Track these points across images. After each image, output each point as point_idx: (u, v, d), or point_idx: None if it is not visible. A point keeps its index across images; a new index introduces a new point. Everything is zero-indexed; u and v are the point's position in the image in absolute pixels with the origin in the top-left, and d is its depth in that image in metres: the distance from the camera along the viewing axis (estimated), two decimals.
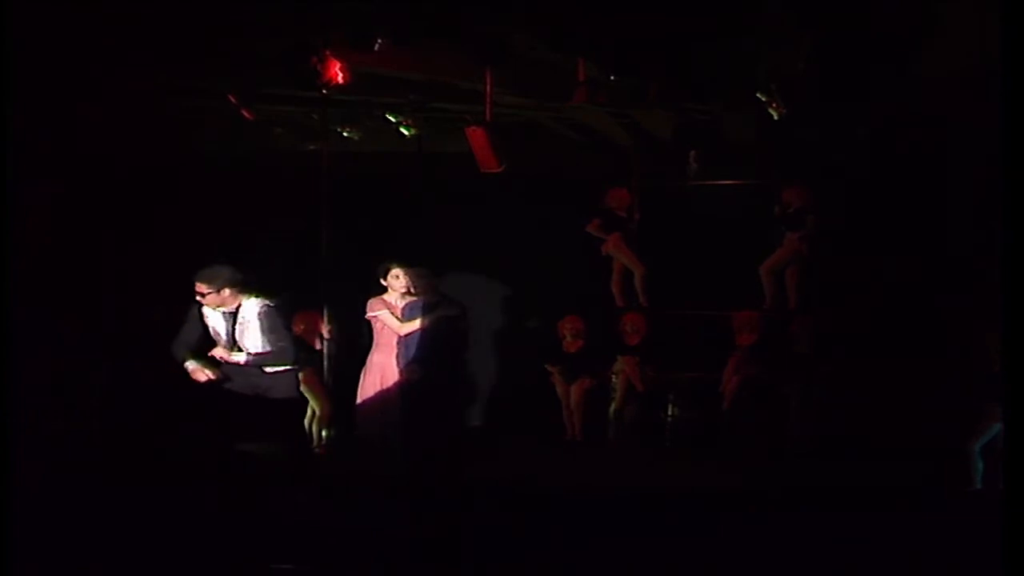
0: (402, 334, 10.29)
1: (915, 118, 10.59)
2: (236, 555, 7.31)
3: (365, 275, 10.71)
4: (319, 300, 11.00)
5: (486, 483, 9.41)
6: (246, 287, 9.15)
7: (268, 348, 9.11)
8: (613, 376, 11.96)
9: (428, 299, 10.41)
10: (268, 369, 9.15)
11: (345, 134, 11.58)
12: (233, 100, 10.34)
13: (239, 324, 9.09)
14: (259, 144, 11.98)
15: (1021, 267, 5.74)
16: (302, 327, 11.16)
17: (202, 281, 8.97)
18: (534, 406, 12.00)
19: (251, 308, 9.11)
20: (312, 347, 11.18)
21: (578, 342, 11.95)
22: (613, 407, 11.97)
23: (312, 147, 12.00)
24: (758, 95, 9.93)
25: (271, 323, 9.10)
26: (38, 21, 7.98)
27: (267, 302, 9.18)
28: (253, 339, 9.08)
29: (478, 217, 12.16)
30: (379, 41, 8.61)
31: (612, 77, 9.76)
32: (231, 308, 9.08)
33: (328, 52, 8.93)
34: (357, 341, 10.95)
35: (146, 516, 7.91)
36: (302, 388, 11.15)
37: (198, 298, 9.03)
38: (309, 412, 11.41)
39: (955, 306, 10.63)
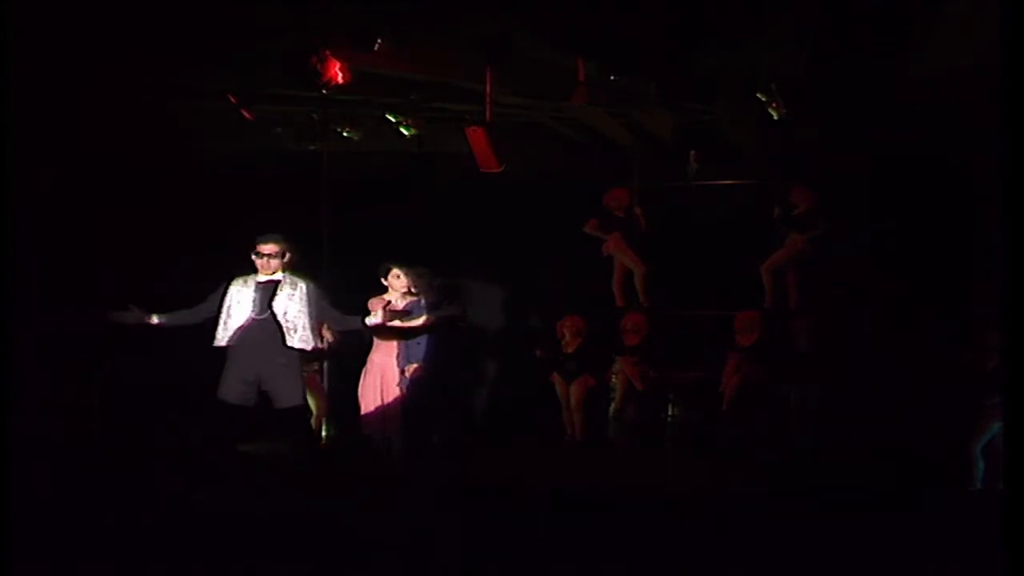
0: None
1: (916, 117, 10.59)
2: (235, 555, 7.29)
3: (365, 275, 10.72)
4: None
5: (486, 483, 9.41)
6: (294, 260, 9.15)
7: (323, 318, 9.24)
8: (613, 376, 11.95)
9: (428, 299, 10.39)
10: (295, 344, 9.06)
11: (345, 134, 11.57)
12: (233, 100, 10.34)
13: (279, 295, 8.97)
14: (259, 144, 11.98)
15: (1021, 267, 5.74)
16: None
17: (272, 242, 8.96)
18: (534, 406, 12.00)
19: (294, 282, 9.04)
20: (314, 347, 11.19)
21: (578, 342, 11.94)
22: (613, 407, 11.97)
23: (312, 147, 12.01)
24: (758, 95, 9.92)
25: (317, 298, 9.08)
26: (38, 21, 7.98)
27: (305, 281, 9.14)
28: (295, 310, 8.99)
29: (478, 217, 12.17)
30: (379, 41, 8.61)
31: (612, 77, 9.76)
32: (273, 277, 9.01)
33: (328, 52, 8.93)
34: (357, 341, 10.95)
35: (146, 516, 7.91)
36: None
37: (263, 259, 8.95)
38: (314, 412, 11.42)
39: (955, 306, 10.63)
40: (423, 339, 10.19)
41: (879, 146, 11.24)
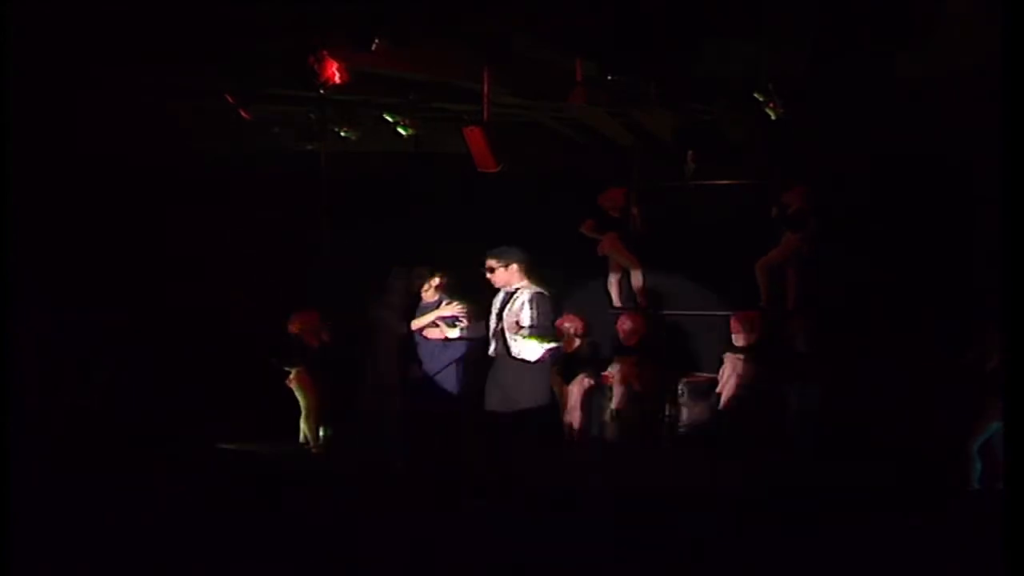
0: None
1: (916, 117, 10.57)
2: (235, 555, 7.30)
3: (363, 275, 10.74)
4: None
5: (485, 483, 9.42)
6: (531, 269, 9.46)
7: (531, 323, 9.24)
8: (612, 376, 11.94)
9: (428, 299, 10.40)
10: (527, 357, 9.19)
11: (343, 134, 11.57)
12: (231, 100, 10.34)
13: (512, 303, 9.24)
14: (260, 144, 11.97)
15: (1021, 267, 5.74)
16: (298, 326, 11.23)
17: (493, 257, 9.32)
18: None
19: (527, 291, 9.29)
20: (308, 346, 11.24)
21: (577, 342, 11.91)
22: (612, 407, 11.95)
23: (310, 147, 12.02)
24: (755, 95, 9.93)
25: (541, 305, 9.24)
26: (38, 21, 7.98)
27: (541, 290, 9.40)
28: (521, 317, 9.21)
29: (476, 217, 12.17)
30: (376, 41, 8.62)
31: (609, 77, 9.76)
32: (510, 288, 9.27)
33: (325, 52, 8.94)
34: (355, 340, 10.96)
35: (146, 516, 7.92)
36: (293, 386, 11.23)
37: (487, 275, 9.34)
38: (304, 411, 11.47)
39: (955, 306, 10.62)
40: (423, 339, 10.22)
41: (879, 146, 11.22)
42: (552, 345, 9.38)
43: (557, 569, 7.25)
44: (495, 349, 9.41)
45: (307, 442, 11.46)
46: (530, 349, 9.18)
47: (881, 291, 11.28)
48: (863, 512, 8.46)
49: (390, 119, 11.35)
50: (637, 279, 12.51)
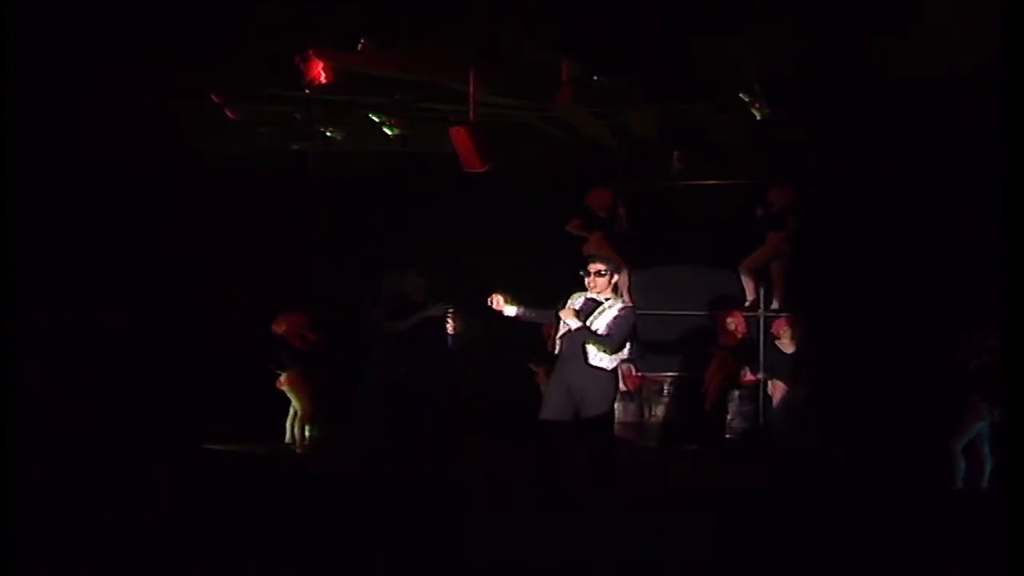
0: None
1: (914, 117, 10.62)
2: (234, 555, 7.30)
3: (353, 275, 10.76)
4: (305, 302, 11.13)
5: (481, 483, 9.44)
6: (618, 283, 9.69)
7: (603, 332, 9.13)
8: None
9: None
10: (593, 361, 9.09)
11: (328, 134, 11.58)
12: (216, 100, 10.34)
13: (599, 310, 9.14)
14: (244, 144, 11.97)
15: (1020, 267, 5.79)
16: (285, 328, 11.25)
17: (601, 263, 9.30)
18: (529, 406, 12.00)
19: (615, 303, 9.23)
20: (296, 348, 11.26)
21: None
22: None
23: (296, 147, 12.03)
24: (741, 95, 9.98)
25: (621, 320, 9.10)
26: (38, 22, 7.98)
27: (630, 305, 9.54)
28: (599, 326, 9.13)
29: (464, 217, 12.20)
30: (362, 41, 8.64)
31: (595, 77, 9.79)
32: (602, 296, 9.20)
33: (311, 52, 8.95)
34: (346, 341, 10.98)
35: (146, 516, 7.91)
36: (285, 388, 11.25)
37: (587, 277, 9.23)
38: (291, 412, 11.49)
39: (943, 305, 10.68)
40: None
41: (875, 146, 11.28)
42: (621, 357, 9.38)
43: (553, 569, 7.27)
44: (565, 350, 9.24)
45: (294, 442, 11.49)
46: (606, 357, 9.15)
47: (873, 292, 11.34)
48: (848, 512, 8.49)
49: (376, 119, 11.36)
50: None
